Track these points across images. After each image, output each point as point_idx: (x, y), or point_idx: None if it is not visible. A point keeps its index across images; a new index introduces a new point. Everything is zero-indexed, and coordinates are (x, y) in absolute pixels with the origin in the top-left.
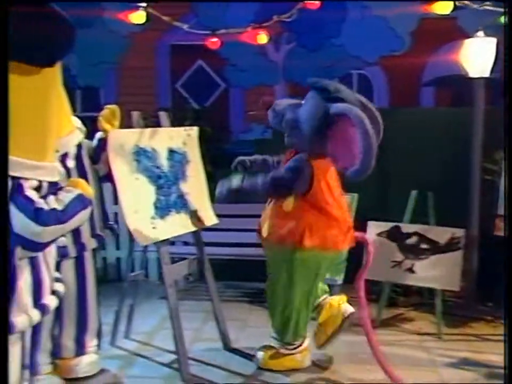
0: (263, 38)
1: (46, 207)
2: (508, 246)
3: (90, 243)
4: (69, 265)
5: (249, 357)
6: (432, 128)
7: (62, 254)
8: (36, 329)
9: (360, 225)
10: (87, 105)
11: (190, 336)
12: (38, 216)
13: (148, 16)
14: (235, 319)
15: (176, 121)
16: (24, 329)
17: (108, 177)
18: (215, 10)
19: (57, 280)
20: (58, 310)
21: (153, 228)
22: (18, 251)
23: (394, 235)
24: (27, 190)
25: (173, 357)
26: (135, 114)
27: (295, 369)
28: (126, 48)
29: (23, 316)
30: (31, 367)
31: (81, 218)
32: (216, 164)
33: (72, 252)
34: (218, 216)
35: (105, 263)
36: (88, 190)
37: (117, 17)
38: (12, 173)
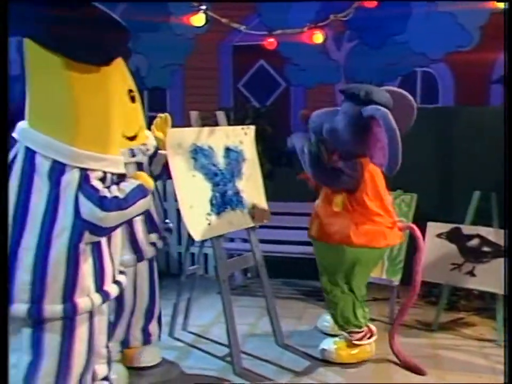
0: (319, 37)
1: (109, 195)
2: (508, 245)
3: (159, 243)
4: (143, 263)
5: (301, 353)
6: (500, 127)
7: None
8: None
9: (419, 225)
10: (153, 105)
11: (245, 331)
12: (102, 203)
13: (207, 18)
14: (289, 316)
15: (237, 120)
16: (86, 311)
17: (159, 177)
18: (277, 11)
19: (121, 272)
20: (134, 303)
21: (209, 223)
22: (86, 236)
23: (455, 237)
24: (93, 180)
25: (227, 350)
26: (193, 114)
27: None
28: (191, 50)
29: (85, 299)
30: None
31: (140, 206)
32: (276, 162)
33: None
34: (274, 214)
35: (167, 257)
36: (149, 181)
37: (182, 21)
38: (80, 164)
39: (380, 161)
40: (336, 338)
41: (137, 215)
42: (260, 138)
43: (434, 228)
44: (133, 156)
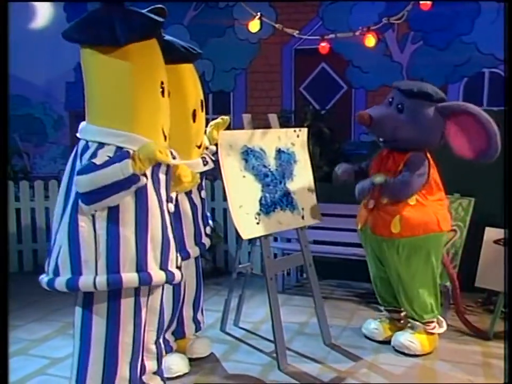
0: (371, 40)
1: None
2: (508, 246)
3: (207, 241)
4: (191, 261)
5: (347, 353)
6: None
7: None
8: (173, 311)
9: (477, 230)
10: (217, 107)
11: (295, 329)
12: (81, 168)
13: (261, 24)
14: (340, 316)
15: (297, 123)
16: (87, 288)
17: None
18: (338, 14)
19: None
20: (183, 295)
21: (257, 223)
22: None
23: None
24: (100, 152)
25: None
26: (246, 117)
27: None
28: (255, 54)
29: (89, 277)
30: (165, 344)
31: (113, 171)
32: (333, 164)
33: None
34: (331, 215)
35: (226, 256)
36: (162, 155)
37: (245, 26)
38: (94, 138)
39: (470, 152)
40: (409, 331)
41: (119, 184)
42: (318, 141)
43: (492, 233)
44: (205, 164)
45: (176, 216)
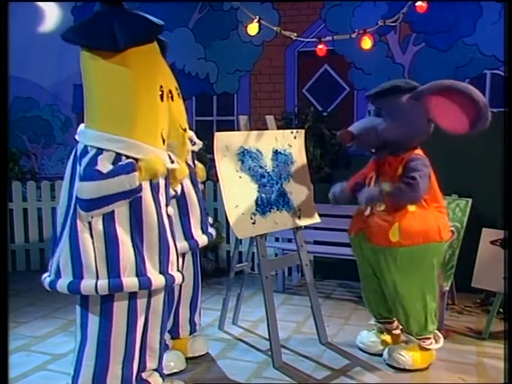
0: (367, 42)
1: (94, 168)
2: (508, 245)
3: (213, 231)
4: (189, 260)
5: (342, 352)
6: None
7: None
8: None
9: (474, 231)
10: (221, 109)
11: (292, 328)
12: (83, 173)
13: (260, 27)
14: (338, 316)
15: (299, 124)
16: (90, 292)
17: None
18: (342, 16)
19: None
20: (179, 294)
21: (253, 223)
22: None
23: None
24: (101, 159)
25: None
26: (242, 119)
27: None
28: (258, 56)
29: (90, 281)
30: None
31: (119, 182)
32: (334, 165)
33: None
34: (333, 216)
35: (228, 255)
36: (157, 166)
37: (245, 29)
38: (95, 144)
39: (462, 126)
40: (402, 345)
41: (122, 194)
42: (319, 142)
43: (488, 234)
44: (193, 144)
45: (184, 205)
